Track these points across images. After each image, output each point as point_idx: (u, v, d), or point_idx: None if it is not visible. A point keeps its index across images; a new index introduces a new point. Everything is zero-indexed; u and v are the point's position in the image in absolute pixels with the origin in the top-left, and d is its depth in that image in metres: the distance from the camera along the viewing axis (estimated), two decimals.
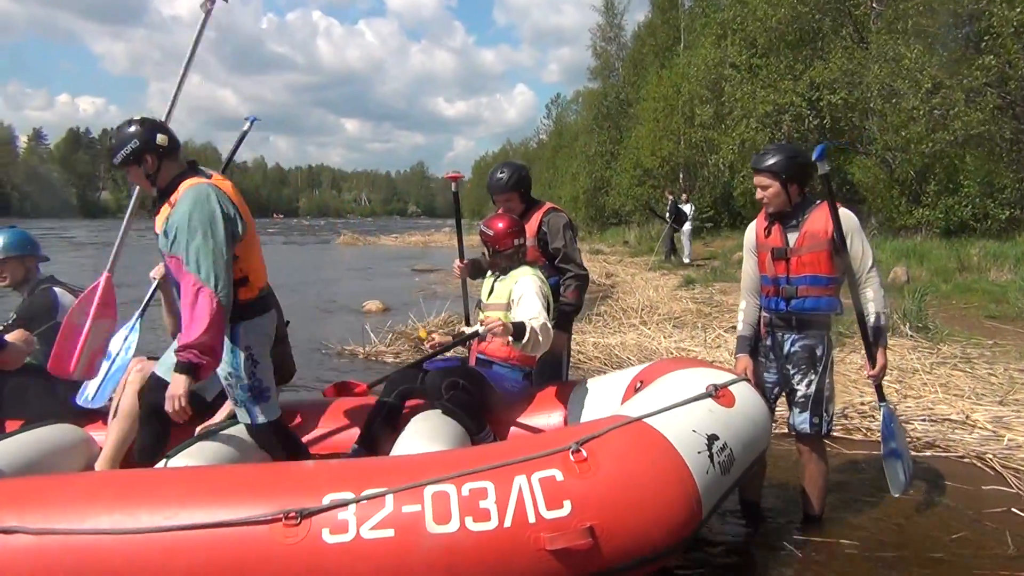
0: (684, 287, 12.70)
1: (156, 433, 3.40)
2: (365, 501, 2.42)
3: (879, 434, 4.72)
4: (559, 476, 2.52)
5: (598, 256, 22.24)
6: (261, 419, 3.31)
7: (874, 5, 20.58)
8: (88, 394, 3.79)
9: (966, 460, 4.41)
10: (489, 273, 4.08)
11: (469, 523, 2.40)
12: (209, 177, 3.22)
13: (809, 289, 3.41)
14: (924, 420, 4.97)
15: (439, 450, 3.06)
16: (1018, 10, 15.79)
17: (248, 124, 4.83)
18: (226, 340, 3.14)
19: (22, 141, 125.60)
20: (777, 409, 3.84)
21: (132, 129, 3.17)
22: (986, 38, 17.05)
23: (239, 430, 3.48)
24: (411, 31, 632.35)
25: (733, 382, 3.30)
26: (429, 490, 2.46)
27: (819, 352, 3.44)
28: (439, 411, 3.51)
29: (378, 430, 3.60)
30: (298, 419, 3.88)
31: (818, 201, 3.42)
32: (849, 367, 6.23)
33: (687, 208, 18.97)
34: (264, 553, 2.33)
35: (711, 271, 15.63)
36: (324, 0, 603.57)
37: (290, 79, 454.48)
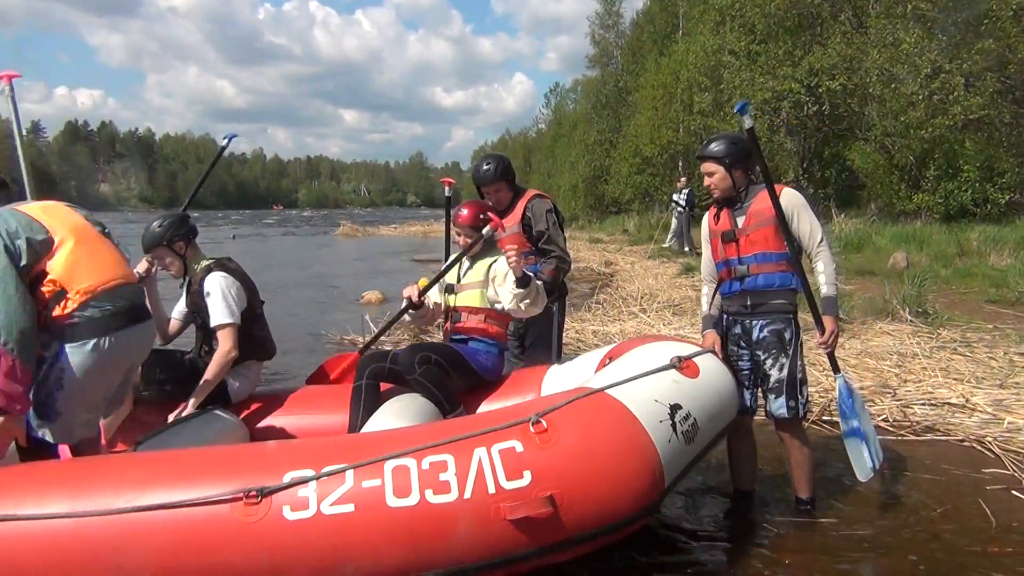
0: (684, 275, 12.68)
1: None
2: (325, 477, 2.44)
3: (879, 420, 4.77)
4: (519, 447, 2.55)
5: (597, 245, 22.21)
6: (40, 434, 2.90)
7: None
8: None
9: (966, 443, 4.42)
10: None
11: (429, 495, 2.43)
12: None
13: (760, 266, 3.43)
14: (924, 404, 4.98)
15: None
16: None
17: (226, 141, 5.02)
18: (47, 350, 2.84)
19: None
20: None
21: None
22: (985, 22, 17.03)
23: (209, 418, 3.50)
24: (408, 20, 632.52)
25: (698, 354, 3.34)
26: (389, 465, 2.48)
27: (787, 336, 3.45)
28: (412, 392, 3.57)
29: (358, 415, 3.61)
30: (287, 407, 3.90)
31: (763, 184, 3.45)
32: (849, 352, 6.24)
33: (684, 194, 18.14)
34: (225, 532, 2.34)
35: None
36: None
37: (288, 70, 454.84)
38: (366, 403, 3.63)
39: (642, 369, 3.09)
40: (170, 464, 2.59)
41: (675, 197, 18.60)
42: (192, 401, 3.61)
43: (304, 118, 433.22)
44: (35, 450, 2.87)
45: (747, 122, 3.38)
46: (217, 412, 3.61)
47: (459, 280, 3.98)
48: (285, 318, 9.78)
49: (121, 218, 48.55)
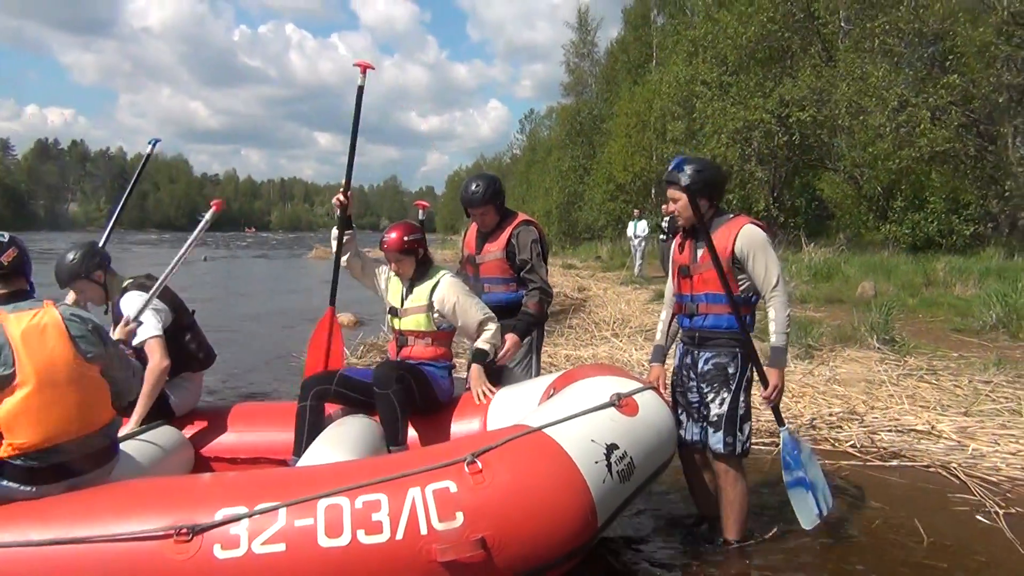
0: (656, 301, 12.72)
1: None
2: (258, 515, 2.41)
3: (846, 446, 4.83)
4: (453, 488, 2.52)
5: (571, 271, 22.28)
6: None
7: (842, 24, 21.00)
8: None
9: (932, 469, 4.45)
10: (392, 275, 4.00)
11: (361, 536, 2.40)
12: None
13: (709, 306, 3.31)
14: (891, 430, 5.02)
15: (345, 459, 3.05)
16: (981, 30, 16.16)
17: (151, 147, 5.03)
18: None
19: None
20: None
21: None
22: (950, 57, 17.48)
23: (154, 435, 3.47)
24: (384, 45, 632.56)
25: (639, 391, 3.28)
26: (323, 503, 2.45)
27: (731, 370, 3.30)
28: (358, 416, 3.59)
29: (302, 437, 3.56)
30: (232, 423, 3.87)
31: (730, 215, 3.37)
32: (817, 378, 6.30)
33: (642, 224, 18.74)
34: (154, 569, 2.30)
35: None
36: (297, 13, 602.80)
37: (262, 92, 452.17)
38: (310, 425, 3.58)
39: (581, 406, 3.05)
40: (103, 496, 2.54)
41: (631, 231, 19.16)
42: (135, 417, 3.56)
43: (278, 140, 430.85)
44: None
45: (682, 179, 3.22)
46: (161, 428, 3.59)
47: (402, 304, 3.89)
48: (254, 339, 9.64)
49: (93, 238, 47.73)
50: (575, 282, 17.79)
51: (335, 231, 4.08)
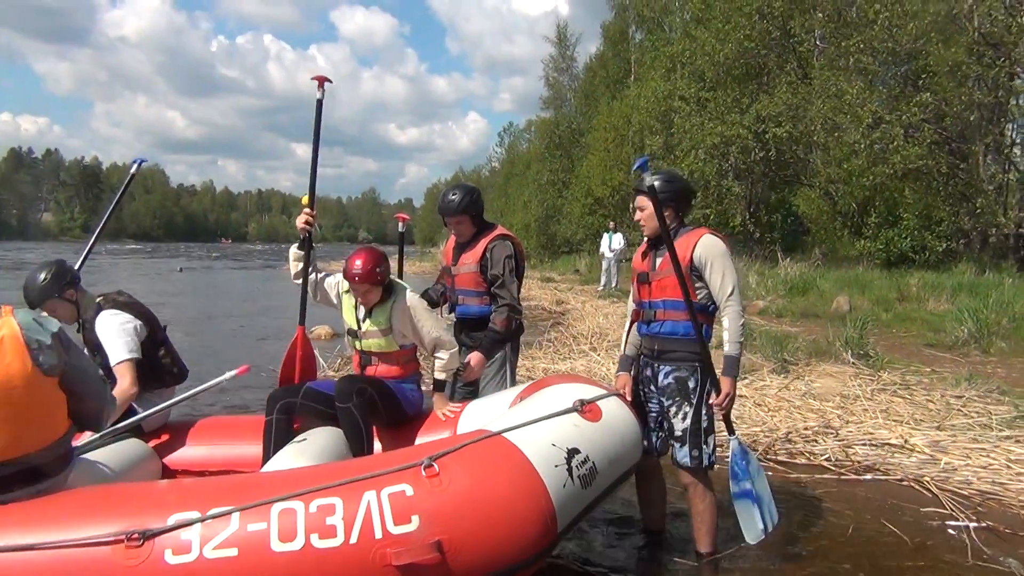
0: None
1: None
2: (211, 520, 2.38)
3: (822, 459, 4.87)
4: (409, 491, 2.50)
5: (549, 284, 22.32)
6: None
7: (817, 43, 21.30)
8: None
9: (905, 483, 4.50)
10: (343, 291, 3.96)
11: (314, 540, 2.38)
12: None
13: (667, 313, 3.34)
14: (865, 444, 5.07)
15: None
16: (953, 50, 16.44)
17: (135, 167, 4.98)
18: None
19: None
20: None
21: None
22: (923, 76, 17.75)
23: (119, 447, 3.44)
24: (363, 57, 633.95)
25: (602, 397, 3.28)
26: (276, 507, 2.43)
27: (691, 384, 3.32)
28: (326, 428, 3.56)
29: (270, 449, 3.55)
30: (200, 436, 3.85)
31: (692, 228, 3.41)
32: (793, 393, 6.35)
33: (618, 237, 18.67)
34: (105, 575, 2.27)
35: None
36: (275, 24, 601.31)
37: (240, 102, 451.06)
38: (276, 438, 3.56)
39: (544, 412, 3.05)
40: (56, 503, 2.49)
41: (604, 244, 19.12)
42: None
43: (255, 151, 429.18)
44: None
45: (647, 180, 3.26)
46: (128, 440, 3.55)
47: (359, 327, 3.84)
48: (228, 350, 9.63)
49: (67, 248, 47.28)
50: (553, 295, 17.82)
51: (294, 250, 4.08)
